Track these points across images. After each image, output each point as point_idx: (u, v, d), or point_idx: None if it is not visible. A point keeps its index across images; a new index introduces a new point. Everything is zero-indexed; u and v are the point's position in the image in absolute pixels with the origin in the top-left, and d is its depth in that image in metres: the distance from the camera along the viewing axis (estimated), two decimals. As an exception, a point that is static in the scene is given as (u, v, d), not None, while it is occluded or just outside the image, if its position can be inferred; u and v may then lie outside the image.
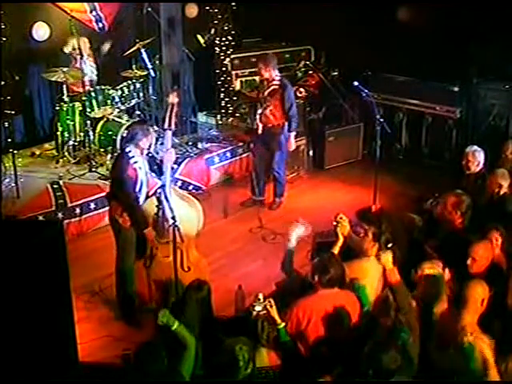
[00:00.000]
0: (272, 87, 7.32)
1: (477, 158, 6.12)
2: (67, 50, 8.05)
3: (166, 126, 5.37)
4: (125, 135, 6.23)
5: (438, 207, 5.61)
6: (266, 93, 7.34)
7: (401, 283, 4.16)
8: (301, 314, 4.22)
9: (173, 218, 5.00)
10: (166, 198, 5.11)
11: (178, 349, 4.01)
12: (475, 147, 6.21)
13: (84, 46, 7.90)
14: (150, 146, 5.37)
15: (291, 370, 4.08)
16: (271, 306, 4.16)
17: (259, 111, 7.36)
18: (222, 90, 9.53)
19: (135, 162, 5.26)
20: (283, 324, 4.17)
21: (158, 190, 5.31)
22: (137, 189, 5.28)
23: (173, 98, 5.49)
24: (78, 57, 7.80)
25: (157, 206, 5.21)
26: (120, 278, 5.48)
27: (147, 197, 5.46)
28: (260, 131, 7.41)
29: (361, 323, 4.33)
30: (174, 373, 3.91)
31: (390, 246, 4.77)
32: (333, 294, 4.28)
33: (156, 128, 8.26)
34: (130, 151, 5.29)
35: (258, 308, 4.17)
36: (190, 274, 5.30)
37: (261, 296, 4.24)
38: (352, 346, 4.02)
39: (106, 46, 8.42)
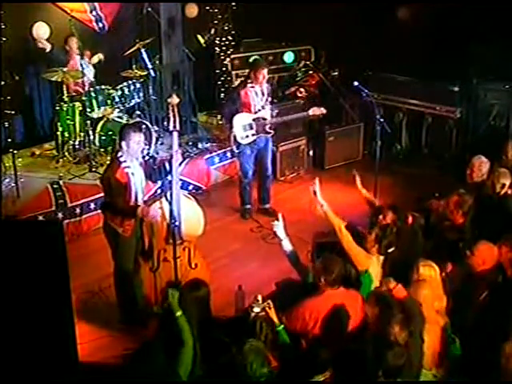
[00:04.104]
0: (269, 86, 7.34)
1: (482, 169, 6.10)
2: (48, 49, 8.04)
3: (171, 127, 5.33)
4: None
5: (441, 206, 5.61)
6: (267, 90, 7.27)
7: (409, 296, 4.16)
8: (307, 314, 4.21)
9: (173, 218, 5.00)
10: (171, 199, 5.09)
11: (176, 348, 4.01)
12: (482, 158, 6.16)
13: (75, 45, 7.90)
14: (149, 148, 5.30)
15: (290, 370, 4.07)
16: (270, 308, 4.15)
17: (276, 111, 7.33)
18: (222, 90, 9.53)
19: (127, 167, 5.17)
20: (282, 326, 4.15)
21: (159, 191, 5.28)
22: (132, 195, 5.22)
23: (174, 100, 5.47)
24: (78, 57, 7.81)
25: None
26: (121, 283, 5.46)
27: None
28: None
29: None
30: (172, 373, 3.91)
31: (390, 250, 4.79)
32: (339, 293, 4.27)
33: (156, 128, 8.29)
34: (121, 156, 5.21)
35: (256, 309, 4.15)
36: (197, 270, 5.33)
37: (259, 297, 4.22)
38: (357, 344, 4.02)
39: (96, 59, 8.42)
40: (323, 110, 7.48)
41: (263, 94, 7.20)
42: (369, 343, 3.78)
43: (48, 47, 7.95)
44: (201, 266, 5.45)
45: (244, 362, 3.67)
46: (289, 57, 10.09)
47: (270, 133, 7.31)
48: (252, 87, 7.13)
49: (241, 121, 7.14)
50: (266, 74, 7.15)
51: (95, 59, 8.44)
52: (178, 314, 4.09)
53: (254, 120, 7.16)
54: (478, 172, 6.09)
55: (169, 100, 5.39)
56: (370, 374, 3.60)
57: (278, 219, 4.85)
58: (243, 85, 7.30)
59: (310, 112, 7.51)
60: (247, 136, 7.18)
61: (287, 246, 4.82)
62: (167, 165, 5.30)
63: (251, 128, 7.16)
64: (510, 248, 4.67)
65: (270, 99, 7.30)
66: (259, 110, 7.18)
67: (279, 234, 4.80)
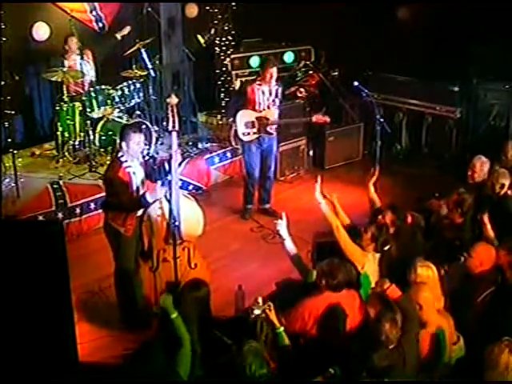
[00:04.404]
0: (278, 87, 7.23)
1: (484, 169, 6.09)
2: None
3: (170, 127, 5.33)
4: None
5: (441, 206, 5.62)
6: (275, 91, 7.18)
7: (404, 296, 4.14)
8: (306, 314, 4.21)
9: (173, 218, 4.99)
10: (170, 198, 5.09)
11: (175, 347, 4.01)
12: (482, 158, 6.15)
13: (75, 45, 7.91)
14: (149, 148, 5.28)
15: (288, 371, 4.06)
16: (270, 310, 4.14)
17: (277, 111, 7.22)
18: (222, 89, 9.53)
19: (128, 167, 5.18)
20: (282, 328, 4.14)
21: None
22: (134, 193, 5.22)
23: (173, 100, 5.47)
24: (78, 57, 7.81)
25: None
26: (121, 283, 5.46)
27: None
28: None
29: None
30: (171, 373, 3.91)
31: (386, 248, 4.81)
32: (339, 294, 4.27)
33: (156, 128, 8.29)
34: (122, 155, 5.22)
35: (256, 311, 4.13)
36: (196, 271, 5.32)
37: (260, 300, 4.21)
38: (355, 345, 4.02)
39: (126, 30, 8.41)
40: (327, 119, 7.43)
41: (270, 94, 7.16)
42: (356, 343, 3.78)
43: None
44: (200, 266, 5.44)
45: (243, 363, 3.67)
46: (289, 57, 10.08)
47: (272, 133, 7.27)
48: (259, 85, 7.11)
49: (244, 117, 7.13)
50: (274, 73, 7.06)
51: (126, 30, 8.42)
52: (174, 315, 4.08)
53: (256, 118, 7.13)
54: (479, 172, 6.09)
55: (168, 100, 5.39)
56: (354, 372, 3.61)
57: (281, 218, 4.83)
58: (251, 82, 7.31)
59: (314, 119, 7.46)
60: (248, 133, 7.16)
61: (289, 245, 4.81)
62: (167, 165, 5.30)
63: (253, 126, 7.14)
64: (508, 251, 4.67)
65: (277, 100, 7.23)
66: (264, 110, 7.15)
67: (282, 234, 4.79)
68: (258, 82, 7.15)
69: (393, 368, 3.59)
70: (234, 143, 7.29)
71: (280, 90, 7.27)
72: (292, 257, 4.81)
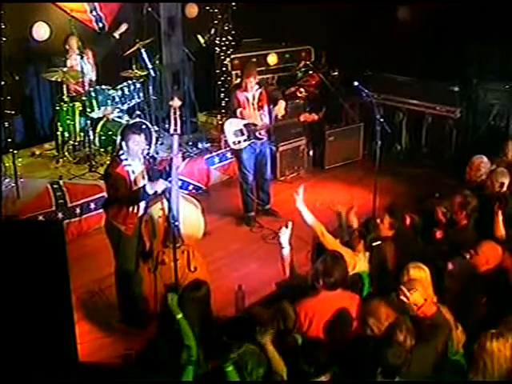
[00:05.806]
0: (259, 90, 7.11)
1: (481, 169, 6.09)
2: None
3: (172, 130, 5.33)
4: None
5: (442, 206, 5.62)
6: (258, 95, 7.08)
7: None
8: (303, 315, 4.20)
9: (173, 219, 4.99)
10: (170, 201, 5.08)
11: (179, 348, 4.02)
12: (483, 158, 6.14)
13: (75, 44, 7.91)
14: (149, 148, 5.28)
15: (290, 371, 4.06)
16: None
17: (271, 117, 7.12)
18: (223, 90, 9.53)
19: (128, 165, 5.19)
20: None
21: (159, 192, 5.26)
22: (132, 190, 5.20)
23: (176, 102, 5.47)
24: (78, 57, 7.81)
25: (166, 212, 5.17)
26: (122, 282, 5.46)
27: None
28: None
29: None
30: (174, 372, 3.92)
31: (375, 244, 4.86)
32: (336, 295, 4.26)
33: (156, 128, 8.29)
34: (122, 154, 5.25)
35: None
36: (196, 273, 5.32)
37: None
38: (353, 346, 4.01)
39: (123, 27, 8.43)
40: (315, 116, 7.39)
41: (254, 99, 7.06)
42: (369, 341, 3.77)
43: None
44: (200, 269, 5.44)
45: (240, 363, 3.68)
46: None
47: (262, 138, 7.16)
48: (244, 91, 7.03)
49: (232, 126, 7.04)
50: (252, 81, 6.97)
51: (123, 28, 8.44)
52: (179, 316, 4.10)
53: (244, 126, 7.03)
54: (475, 171, 6.09)
55: (170, 103, 5.40)
56: (368, 371, 3.60)
57: (286, 226, 4.77)
58: (236, 87, 7.30)
59: (301, 118, 7.41)
60: (239, 142, 7.07)
61: (287, 254, 4.79)
62: (168, 168, 5.31)
63: (242, 134, 7.04)
64: (510, 252, 4.66)
65: (263, 104, 7.10)
66: (251, 116, 7.02)
67: (282, 241, 4.74)
68: (242, 88, 7.07)
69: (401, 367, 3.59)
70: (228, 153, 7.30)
71: (263, 93, 7.12)
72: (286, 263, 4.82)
